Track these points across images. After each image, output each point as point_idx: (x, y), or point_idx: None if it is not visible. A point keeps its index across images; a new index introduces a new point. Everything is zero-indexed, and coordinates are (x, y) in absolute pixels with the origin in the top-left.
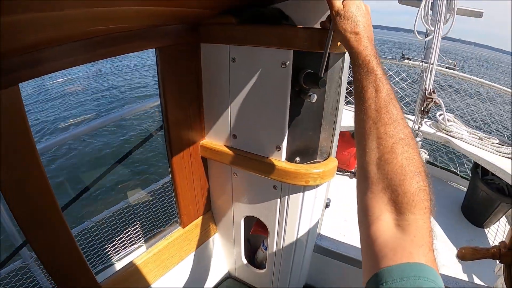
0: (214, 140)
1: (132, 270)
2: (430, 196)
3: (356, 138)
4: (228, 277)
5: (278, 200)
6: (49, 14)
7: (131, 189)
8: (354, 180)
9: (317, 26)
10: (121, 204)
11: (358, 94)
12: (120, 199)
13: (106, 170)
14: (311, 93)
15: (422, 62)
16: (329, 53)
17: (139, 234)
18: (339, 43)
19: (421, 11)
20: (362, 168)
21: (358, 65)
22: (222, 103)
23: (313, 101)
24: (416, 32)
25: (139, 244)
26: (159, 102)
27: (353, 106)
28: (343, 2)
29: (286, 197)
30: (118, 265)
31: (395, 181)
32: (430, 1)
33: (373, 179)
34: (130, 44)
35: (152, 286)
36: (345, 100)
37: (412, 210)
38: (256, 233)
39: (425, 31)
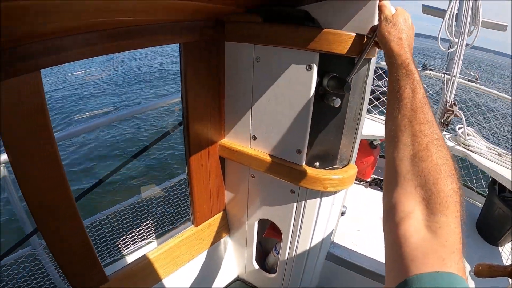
0: (234, 140)
1: (142, 265)
2: (461, 201)
3: (388, 136)
4: (237, 279)
5: (295, 204)
6: (66, 2)
7: (145, 184)
8: (370, 190)
9: (344, 30)
10: (134, 199)
11: (393, 94)
12: (134, 194)
13: (122, 164)
14: (335, 98)
15: (444, 73)
16: (357, 58)
17: (150, 230)
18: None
19: (445, 22)
20: (392, 164)
21: (397, 66)
22: (244, 103)
23: (336, 106)
24: (439, 42)
25: (149, 240)
26: (179, 99)
27: (372, 114)
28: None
29: (303, 202)
30: (128, 259)
31: (429, 179)
32: (455, 13)
33: (405, 176)
34: (154, 37)
35: (161, 282)
36: None
37: (444, 212)
38: (269, 236)
39: (448, 39)
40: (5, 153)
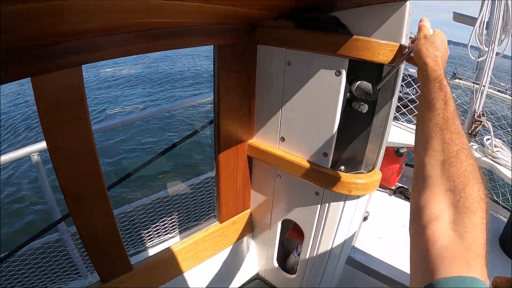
0: (262, 140)
1: (165, 257)
2: (487, 209)
3: (418, 142)
4: (257, 277)
5: (319, 206)
6: (106, 3)
7: (172, 180)
8: (394, 198)
9: (373, 37)
10: (161, 193)
11: (426, 104)
12: (161, 189)
13: (150, 159)
14: (362, 103)
15: (473, 83)
16: (385, 65)
17: (175, 225)
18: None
19: (475, 30)
20: (422, 168)
21: (431, 80)
22: (273, 105)
23: (364, 111)
24: (469, 50)
25: (173, 234)
26: (209, 98)
27: (399, 122)
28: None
29: (327, 204)
30: (151, 251)
31: (459, 184)
32: (485, 21)
33: (435, 180)
34: (189, 39)
35: (182, 275)
36: None
37: (471, 217)
38: (291, 237)
39: (478, 48)
40: (41, 142)
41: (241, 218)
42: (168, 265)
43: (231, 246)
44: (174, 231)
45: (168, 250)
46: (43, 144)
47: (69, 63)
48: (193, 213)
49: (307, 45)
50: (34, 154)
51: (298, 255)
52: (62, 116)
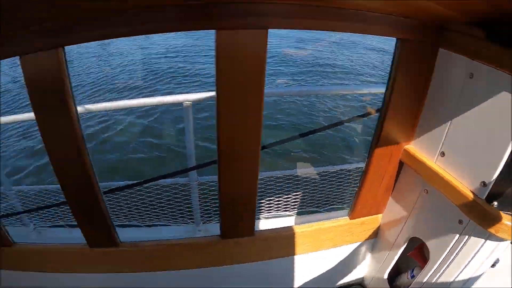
0: (420, 149)
1: (286, 234)
2: None
3: None
4: (361, 283)
5: (457, 236)
6: None
7: (307, 161)
8: None
9: None
10: (292, 171)
11: None
12: (291, 167)
13: (290, 137)
14: None
15: None
16: None
17: (296, 204)
18: None
19: None
20: None
21: None
22: (442, 116)
23: None
24: None
25: (292, 212)
26: (359, 91)
27: None
28: None
29: (467, 236)
30: (263, 222)
31: None
32: None
33: None
34: (372, 26)
35: (293, 256)
36: None
37: None
38: (414, 257)
39: None
40: (196, 93)
41: (371, 221)
42: (286, 242)
43: (351, 245)
44: (294, 210)
45: (290, 229)
46: (197, 96)
47: (256, 24)
48: (317, 199)
49: (497, 62)
50: (187, 102)
51: (412, 277)
52: (241, 75)
